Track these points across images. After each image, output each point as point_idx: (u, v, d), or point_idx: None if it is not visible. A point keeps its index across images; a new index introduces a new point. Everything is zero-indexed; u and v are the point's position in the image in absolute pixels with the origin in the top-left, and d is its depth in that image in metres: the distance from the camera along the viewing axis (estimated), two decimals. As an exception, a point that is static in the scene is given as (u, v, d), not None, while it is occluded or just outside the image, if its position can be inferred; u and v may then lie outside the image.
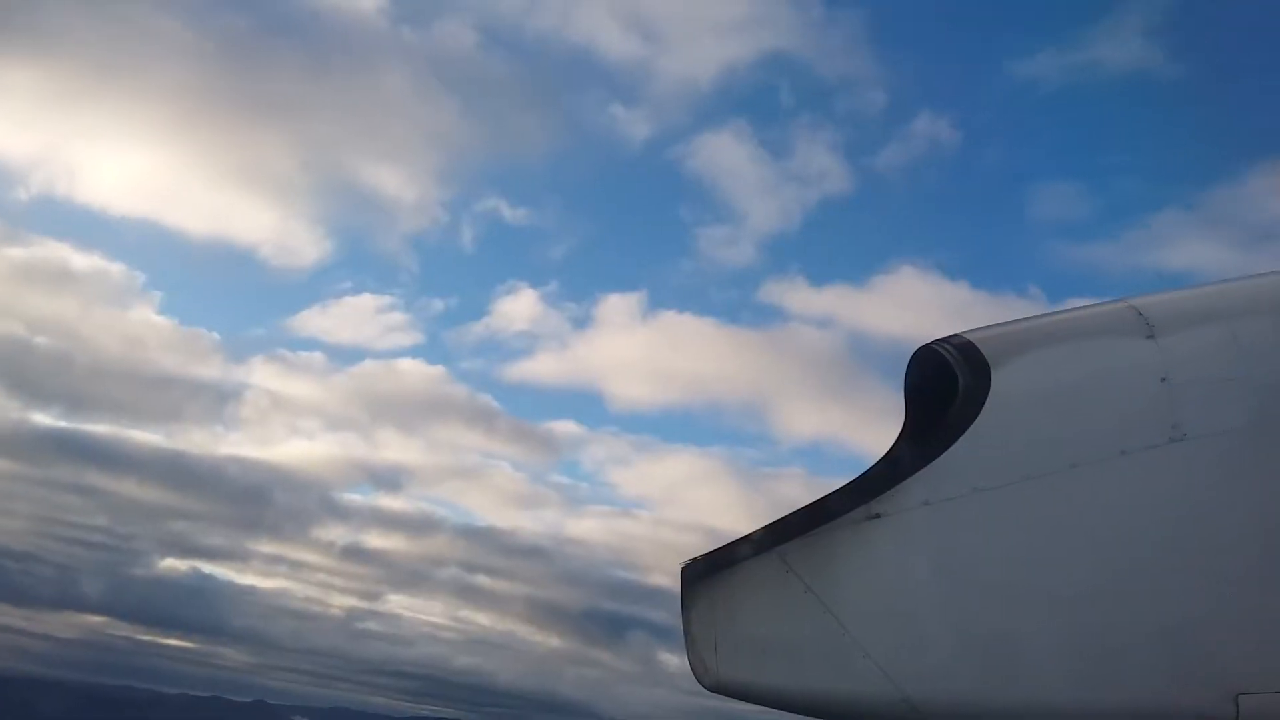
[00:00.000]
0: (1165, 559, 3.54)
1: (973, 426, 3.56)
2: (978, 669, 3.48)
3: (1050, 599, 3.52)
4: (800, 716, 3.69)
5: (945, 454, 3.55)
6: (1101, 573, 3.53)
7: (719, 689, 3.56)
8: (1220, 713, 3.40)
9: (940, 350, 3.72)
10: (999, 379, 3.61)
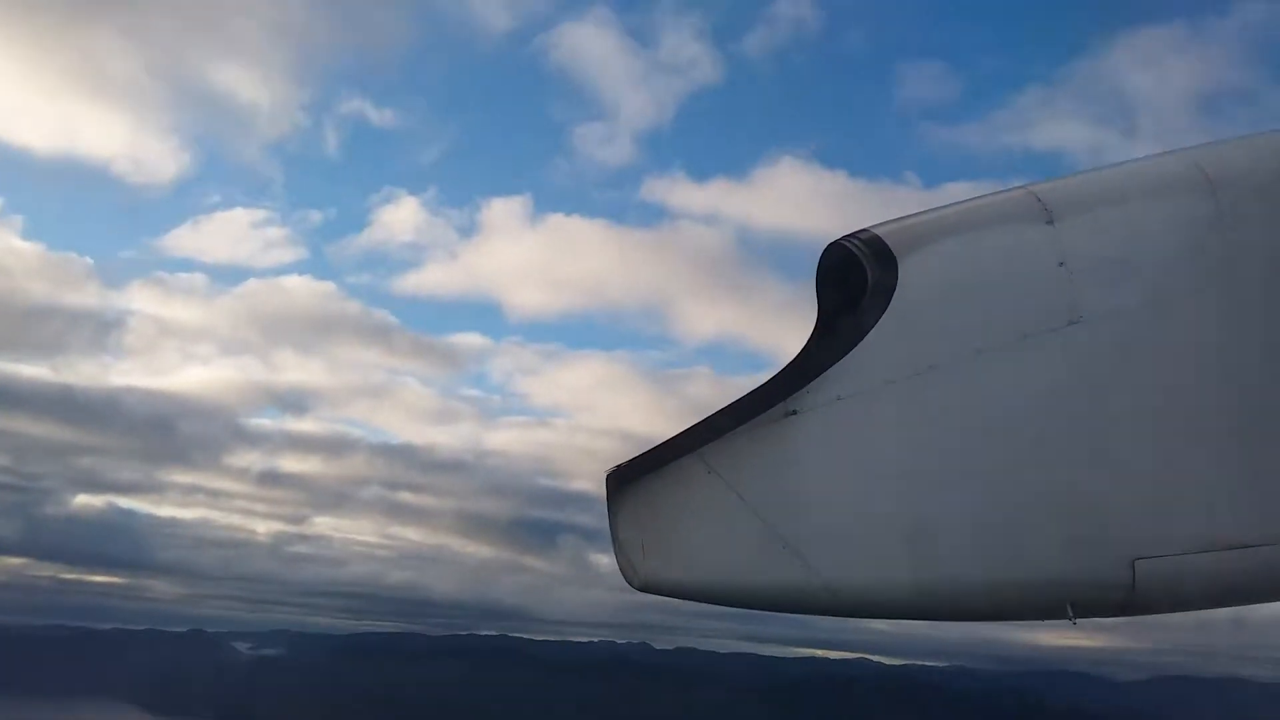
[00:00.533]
0: (1065, 437, 3.69)
1: (881, 320, 3.63)
2: (892, 553, 3.62)
3: (957, 482, 3.66)
4: (728, 608, 3.81)
5: (856, 349, 3.62)
6: (1004, 453, 3.67)
7: (648, 588, 3.65)
8: (1117, 578, 3.61)
9: (848, 246, 3.76)
10: (905, 271, 3.67)
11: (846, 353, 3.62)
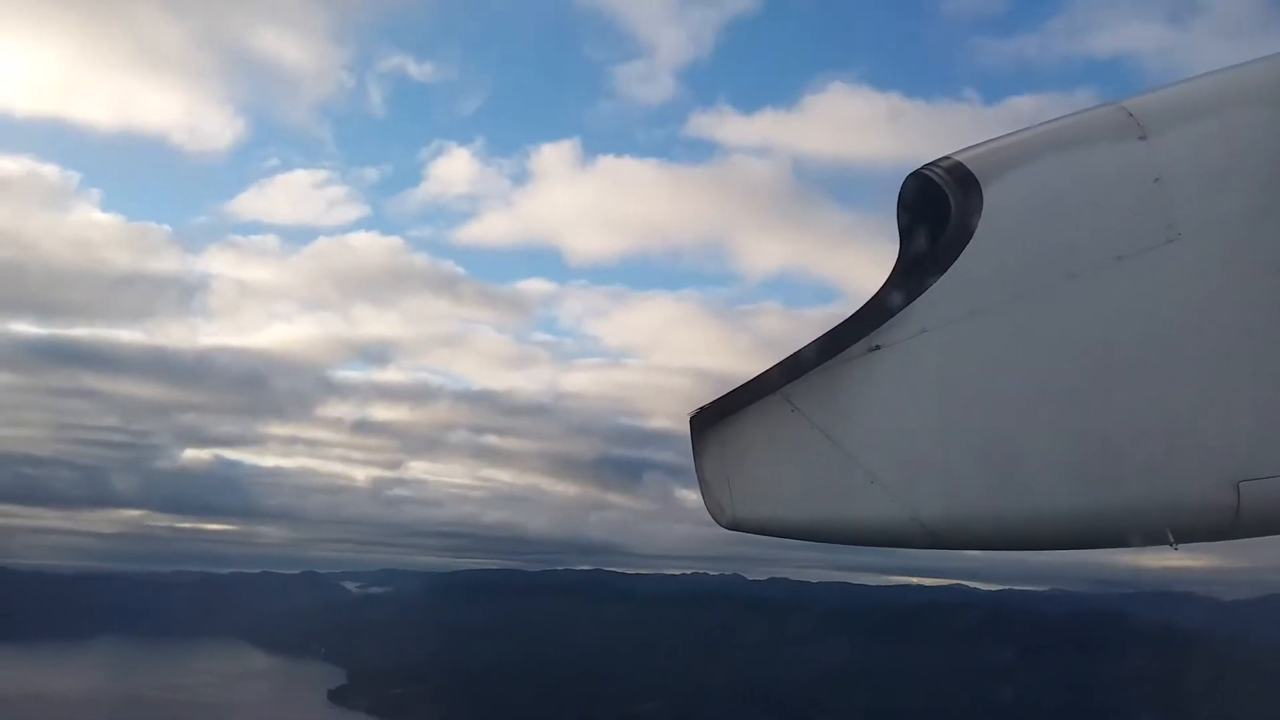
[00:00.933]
0: (1164, 358, 3.57)
1: (966, 249, 3.54)
2: (983, 483, 3.57)
3: (1050, 408, 3.57)
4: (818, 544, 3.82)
5: (941, 279, 3.54)
6: (1101, 377, 3.56)
7: (736, 526, 3.67)
8: (1222, 500, 3.49)
9: (930, 174, 3.66)
10: (990, 197, 3.56)
11: (931, 285, 3.55)
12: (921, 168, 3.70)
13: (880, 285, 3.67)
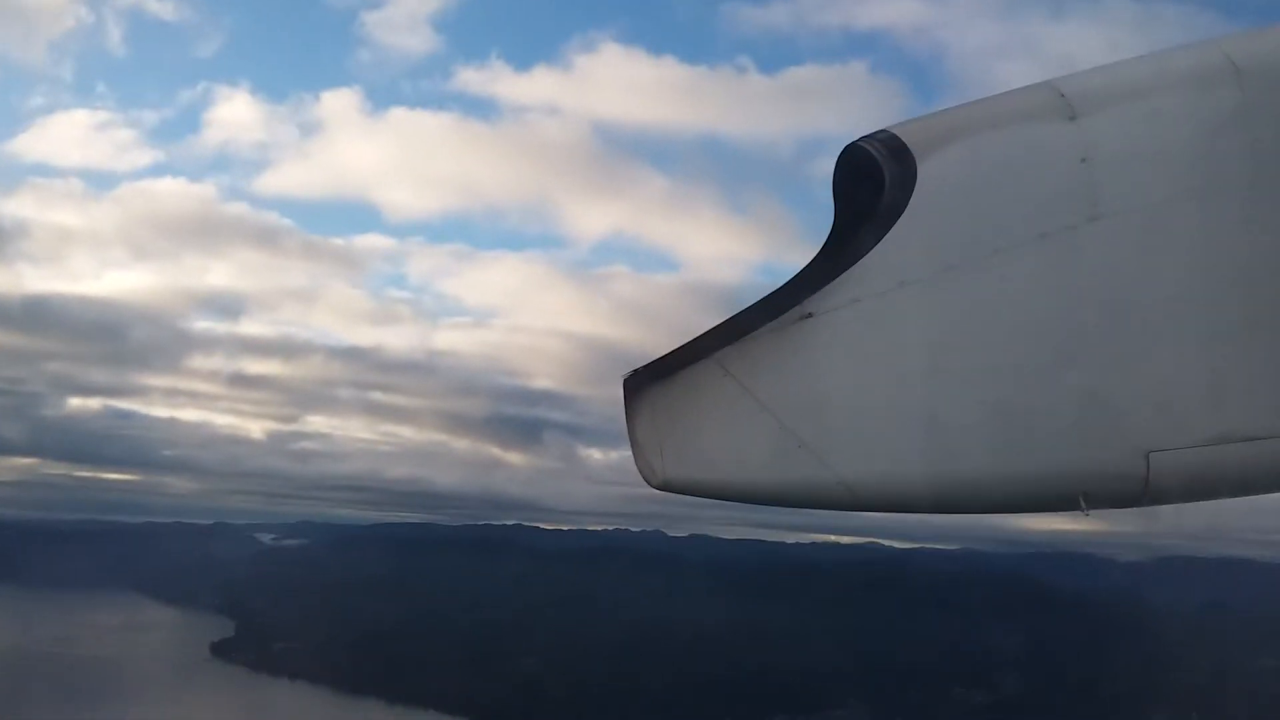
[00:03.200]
0: (1081, 333, 3.69)
1: (899, 221, 3.60)
2: (906, 449, 3.67)
3: (972, 380, 3.68)
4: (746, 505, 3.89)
5: (873, 250, 3.60)
6: (1021, 350, 3.69)
7: (667, 487, 3.71)
8: (1132, 470, 3.66)
9: (866, 146, 3.71)
10: (924, 171, 3.63)
11: (864, 255, 3.60)
12: (859, 140, 3.74)
13: (814, 254, 3.72)
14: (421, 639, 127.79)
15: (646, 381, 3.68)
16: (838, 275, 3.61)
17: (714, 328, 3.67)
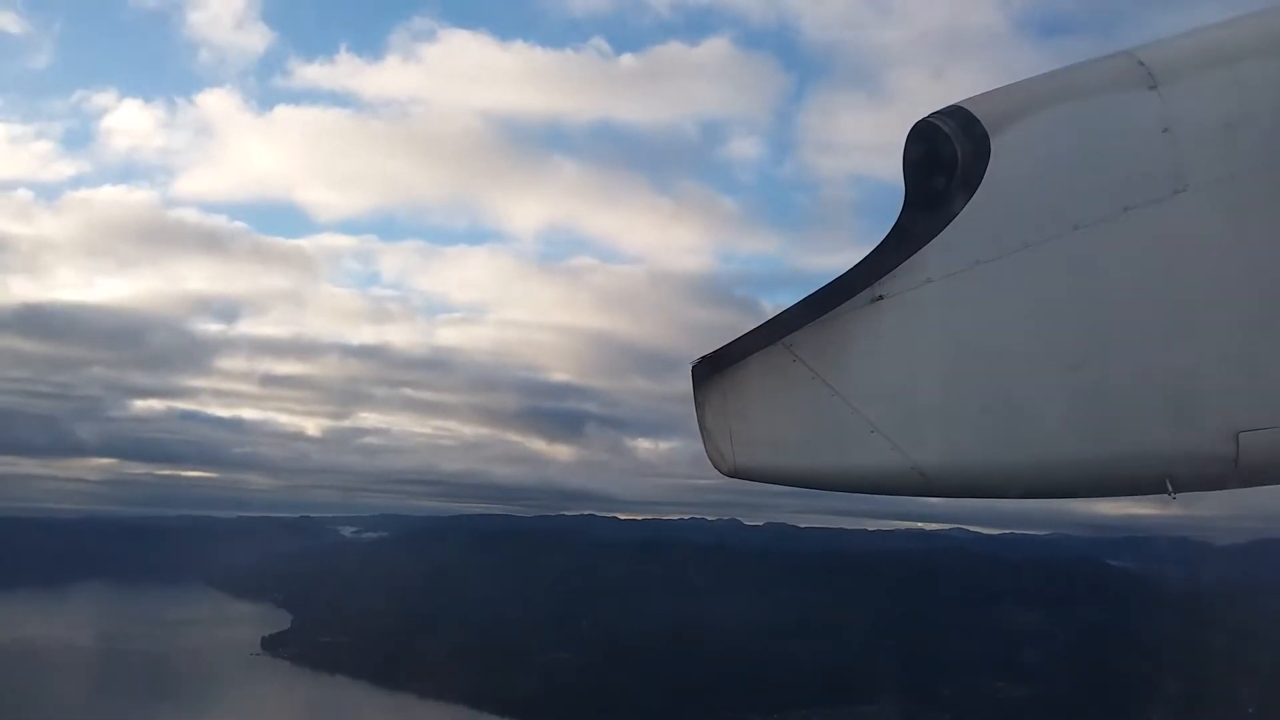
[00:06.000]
0: (1167, 310, 3.57)
1: (973, 198, 3.51)
2: (983, 433, 3.58)
3: (1052, 359, 3.57)
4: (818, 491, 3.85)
5: (946, 229, 3.52)
6: (1103, 329, 3.56)
7: (737, 474, 3.69)
8: (1221, 451, 3.52)
9: (937, 123, 3.62)
10: (999, 146, 3.52)
11: (937, 235, 3.52)
12: (929, 115, 3.66)
13: (885, 234, 3.66)
14: (475, 631, 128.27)
15: (714, 368, 3.66)
16: (909, 256, 3.54)
17: (783, 312, 3.63)
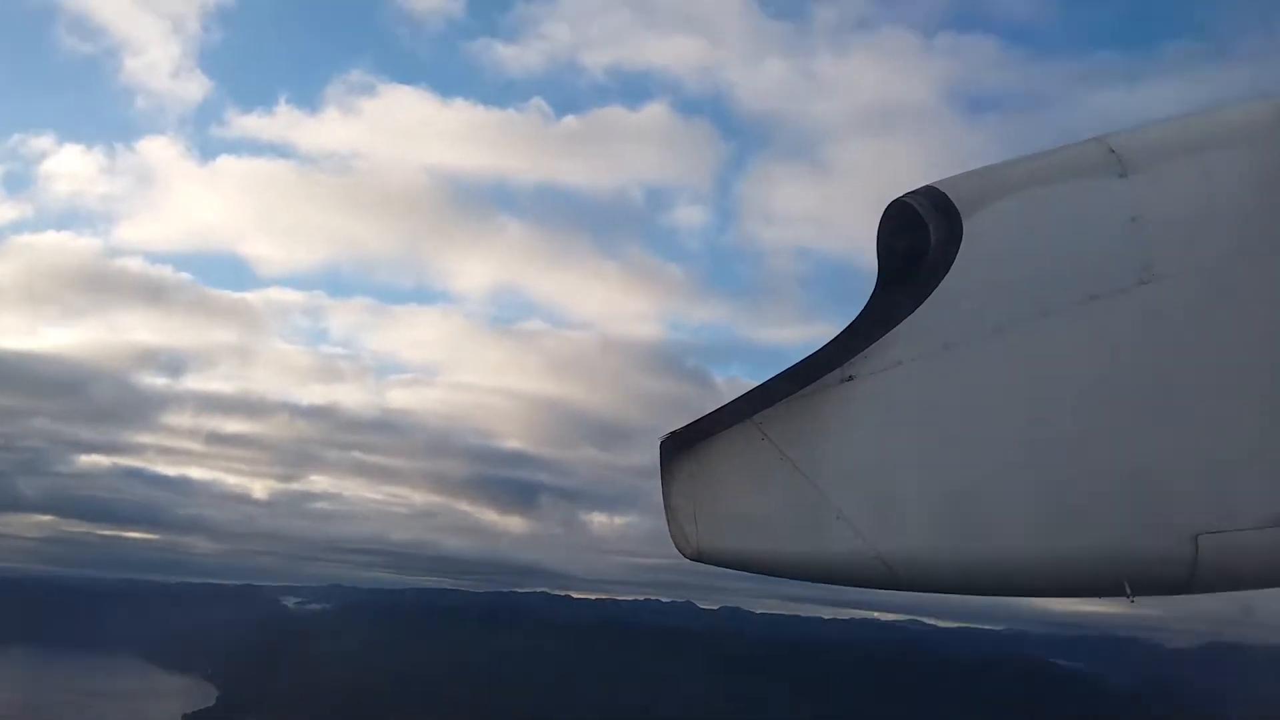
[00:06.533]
0: (1130, 405, 3.52)
1: (944, 281, 3.49)
2: (948, 525, 3.50)
3: (1018, 451, 3.52)
4: (782, 579, 3.73)
5: (917, 311, 3.49)
6: (1067, 422, 3.52)
7: (700, 558, 3.57)
8: (1179, 554, 3.43)
9: (911, 203, 3.61)
10: (971, 228, 3.52)
11: (908, 316, 3.49)
12: (904, 195, 3.65)
13: (857, 314, 3.61)
14: (402, 709, 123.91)
15: (682, 445, 3.56)
16: (880, 336, 3.49)
17: (752, 390, 3.56)
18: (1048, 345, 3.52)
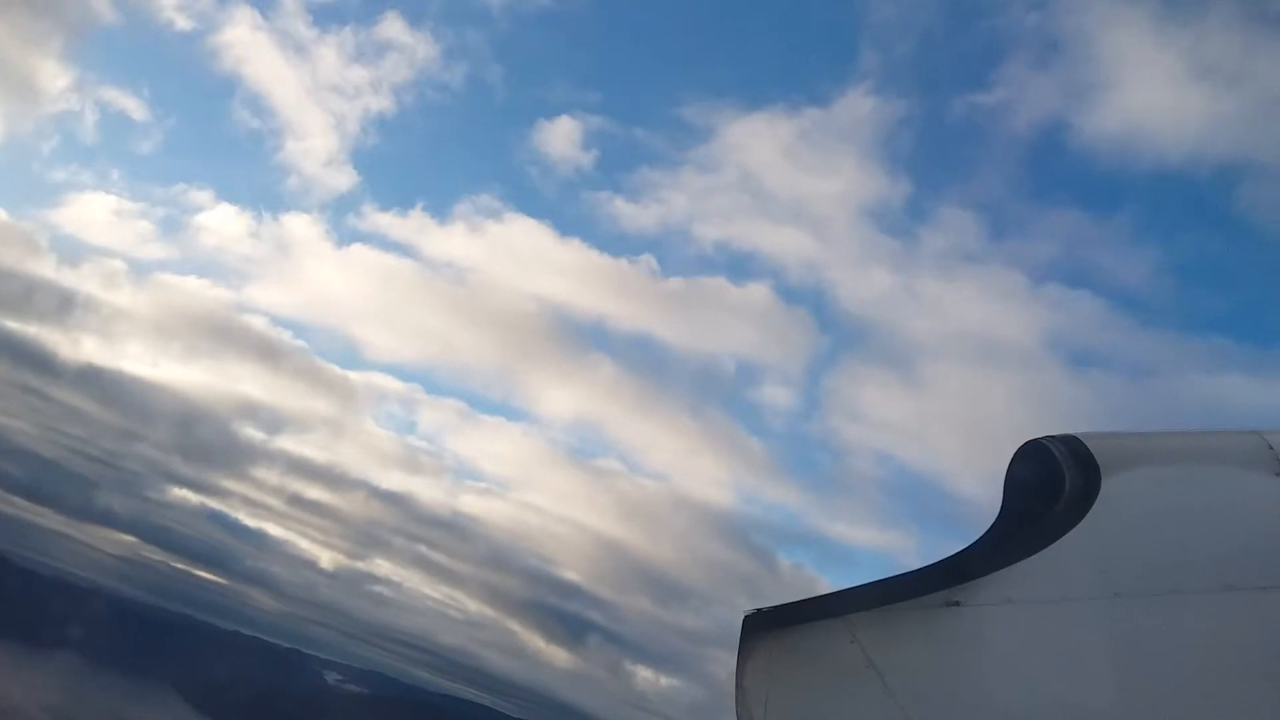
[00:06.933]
0: (1249, 706, 3.33)
1: (1073, 531, 3.43)
2: None
3: (1120, 716, 3.34)
4: None
5: (1039, 553, 3.43)
6: (1177, 706, 3.34)
7: None
8: None
9: (1050, 447, 3.60)
10: (1109, 487, 3.48)
11: (1029, 555, 3.43)
12: (1041, 437, 3.65)
13: (974, 540, 3.57)
14: None
15: (768, 625, 3.51)
16: (995, 569, 3.43)
17: (851, 588, 3.51)
18: (1170, 624, 3.39)
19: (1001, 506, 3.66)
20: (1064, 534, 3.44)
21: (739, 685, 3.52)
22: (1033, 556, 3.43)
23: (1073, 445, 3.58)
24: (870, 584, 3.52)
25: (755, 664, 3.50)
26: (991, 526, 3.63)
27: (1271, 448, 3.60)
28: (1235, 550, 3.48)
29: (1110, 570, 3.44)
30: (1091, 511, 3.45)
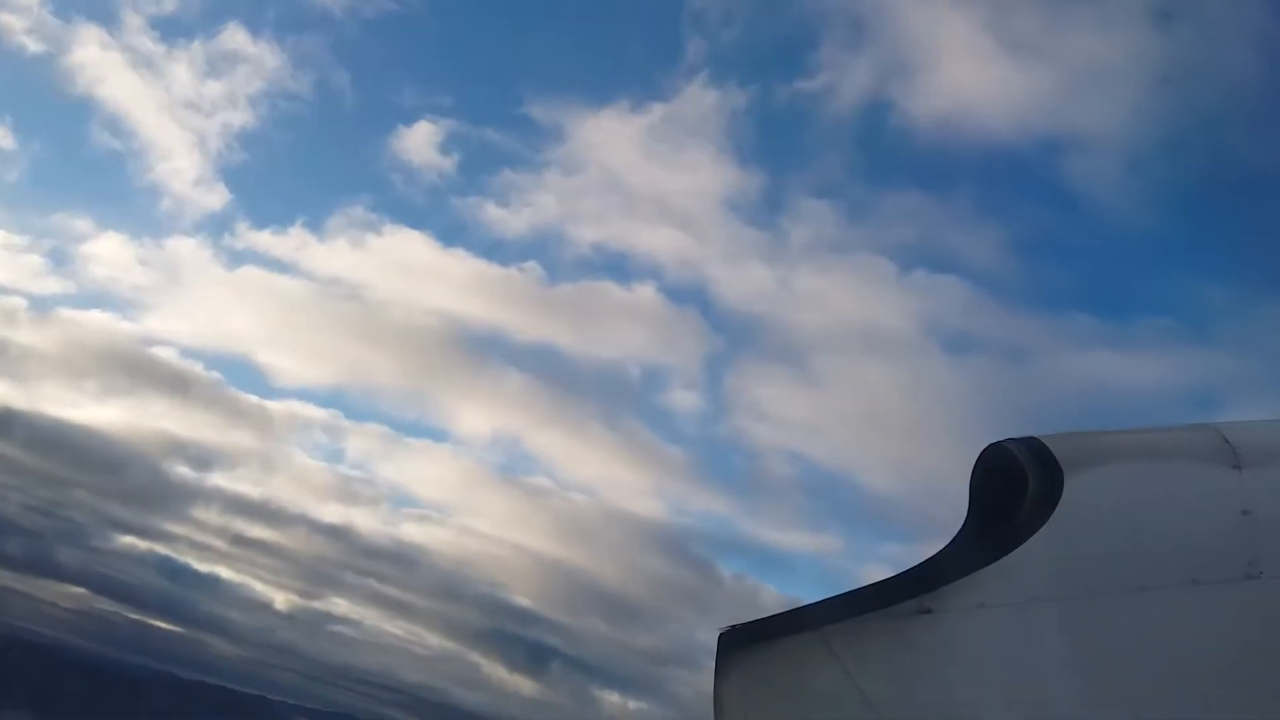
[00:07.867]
0: (1218, 695, 3.39)
1: (1039, 533, 3.46)
2: None
3: (1093, 715, 3.39)
4: None
5: (1007, 557, 3.45)
6: (1145, 699, 3.40)
7: None
8: None
9: (1012, 449, 3.64)
10: (1072, 487, 3.51)
11: (996, 559, 3.45)
12: (1004, 440, 3.69)
13: (942, 547, 3.60)
14: None
15: (743, 641, 3.51)
16: (964, 575, 3.45)
17: (823, 600, 3.53)
18: (1141, 620, 3.44)
19: (967, 511, 3.70)
20: (1030, 536, 3.46)
21: (718, 703, 3.50)
22: (1001, 560, 3.45)
23: (1034, 446, 3.61)
24: (842, 595, 3.54)
25: (732, 682, 3.49)
26: (959, 532, 3.66)
27: (1227, 441, 3.65)
28: (1199, 544, 3.53)
29: (1078, 570, 3.48)
30: (1056, 512, 3.47)
